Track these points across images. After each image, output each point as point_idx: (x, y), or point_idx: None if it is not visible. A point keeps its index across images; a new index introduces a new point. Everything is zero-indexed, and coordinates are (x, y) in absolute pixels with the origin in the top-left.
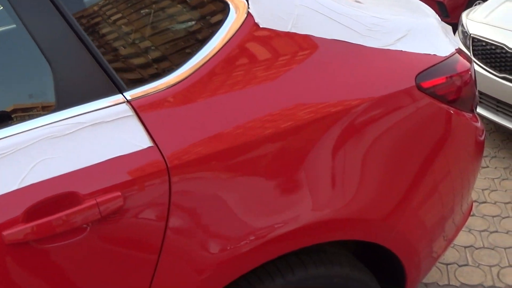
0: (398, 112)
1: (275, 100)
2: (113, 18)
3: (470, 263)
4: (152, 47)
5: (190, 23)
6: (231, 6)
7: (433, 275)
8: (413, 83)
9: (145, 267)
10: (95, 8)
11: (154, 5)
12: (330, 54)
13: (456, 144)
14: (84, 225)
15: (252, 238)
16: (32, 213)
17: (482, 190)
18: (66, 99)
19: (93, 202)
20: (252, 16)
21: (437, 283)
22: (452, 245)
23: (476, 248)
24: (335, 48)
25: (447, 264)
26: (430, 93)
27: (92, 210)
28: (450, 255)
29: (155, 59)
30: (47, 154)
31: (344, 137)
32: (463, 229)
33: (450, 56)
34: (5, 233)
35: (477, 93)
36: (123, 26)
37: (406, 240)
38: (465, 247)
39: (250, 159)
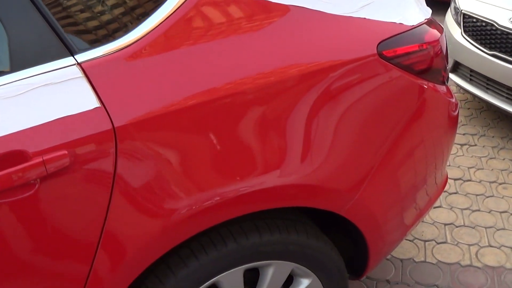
0: (364, 82)
1: (234, 63)
2: None
3: (449, 240)
4: (106, 10)
5: None
6: None
7: (409, 251)
8: (374, 51)
9: (93, 225)
10: None
11: None
12: (286, 20)
13: (428, 117)
14: (32, 181)
15: (217, 198)
16: None
17: (468, 168)
18: (19, 61)
19: (39, 159)
20: None
21: (413, 259)
22: (431, 221)
23: (457, 226)
24: (292, 14)
25: (425, 241)
26: (396, 63)
27: (39, 168)
28: (429, 231)
29: (108, 22)
30: None
31: (314, 104)
32: (444, 206)
33: (418, 26)
34: None
35: (447, 65)
36: None
37: (368, 209)
38: (445, 225)
39: (205, 120)
